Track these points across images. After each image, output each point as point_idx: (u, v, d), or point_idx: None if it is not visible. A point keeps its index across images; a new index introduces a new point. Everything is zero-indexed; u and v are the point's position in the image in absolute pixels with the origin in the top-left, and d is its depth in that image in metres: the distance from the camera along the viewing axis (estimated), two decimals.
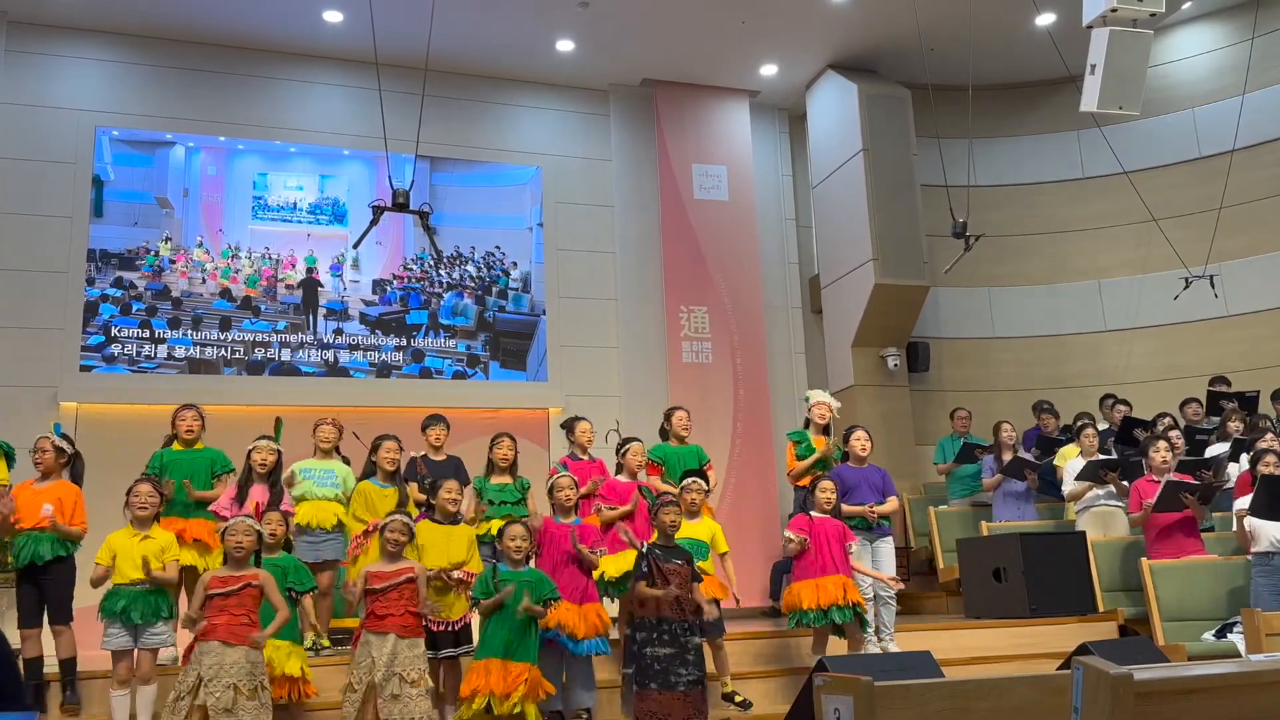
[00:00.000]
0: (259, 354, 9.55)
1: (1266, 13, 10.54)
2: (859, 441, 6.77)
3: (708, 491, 6.13)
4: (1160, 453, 6.93)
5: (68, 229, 9.22)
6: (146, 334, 9.28)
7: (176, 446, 6.12)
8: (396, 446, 6.09)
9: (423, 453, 6.53)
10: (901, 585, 6.73)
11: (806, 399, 7.28)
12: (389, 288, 10.09)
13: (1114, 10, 5.90)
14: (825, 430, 7.10)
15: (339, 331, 9.84)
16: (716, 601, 5.69)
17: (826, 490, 6.08)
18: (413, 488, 6.18)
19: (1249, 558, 6.26)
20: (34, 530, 5.28)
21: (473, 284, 10.35)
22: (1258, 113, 10.30)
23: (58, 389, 8.82)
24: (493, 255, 10.48)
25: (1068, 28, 9.41)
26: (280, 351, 9.63)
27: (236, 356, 9.48)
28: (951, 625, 7.07)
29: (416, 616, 4.88)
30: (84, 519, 5.46)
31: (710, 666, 5.65)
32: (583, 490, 5.98)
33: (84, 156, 9.40)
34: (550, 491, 5.72)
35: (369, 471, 6.08)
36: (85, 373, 9.00)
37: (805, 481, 6.85)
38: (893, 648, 6.30)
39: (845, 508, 6.34)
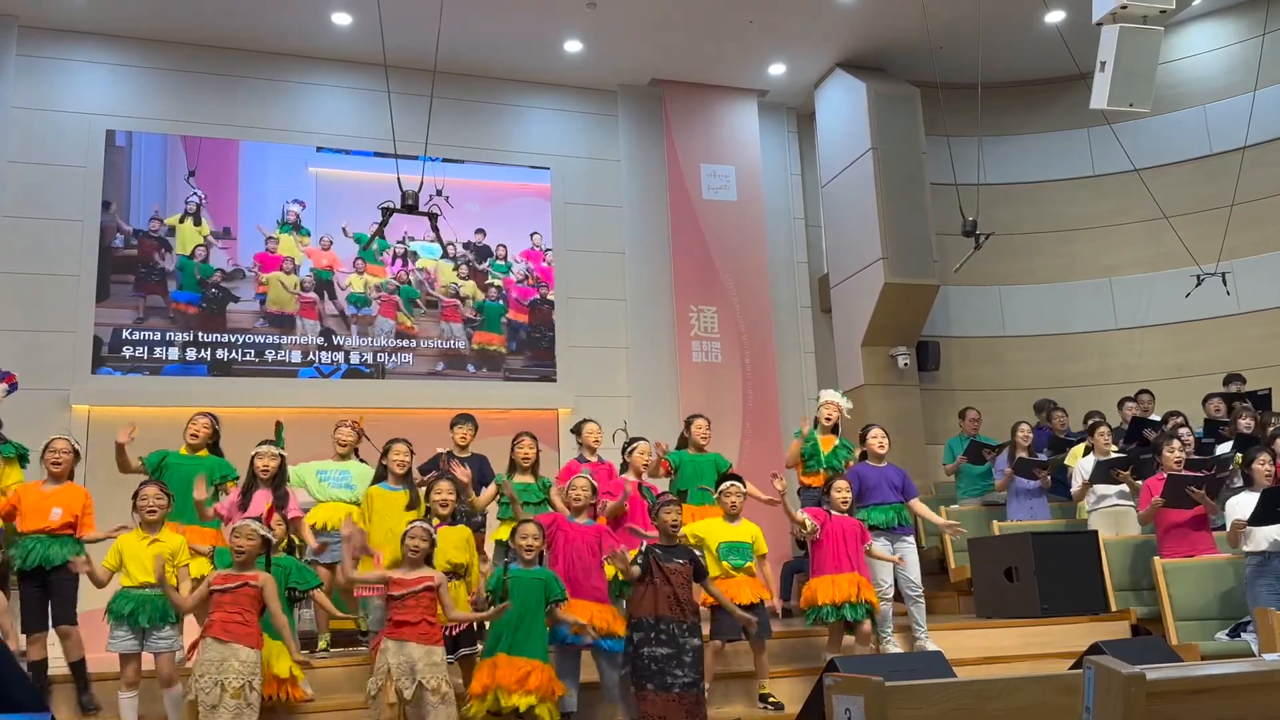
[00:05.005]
0: (270, 355, 9.57)
1: (1278, 9, 10.48)
2: (876, 440, 6.64)
3: (744, 495, 6.05)
4: (1175, 451, 6.89)
5: (79, 232, 9.26)
6: (159, 337, 9.32)
7: (183, 450, 6.08)
8: (407, 449, 6.09)
9: (449, 450, 6.51)
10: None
11: (817, 398, 7.24)
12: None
13: (1124, 7, 5.88)
14: (834, 430, 7.07)
15: (348, 331, 9.87)
16: (760, 604, 5.65)
17: (842, 490, 6.01)
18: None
19: (1243, 557, 6.19)
20: (42, 533, 5.25)
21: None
22: (1269, 109, 10.24)
23: (69, 391, 8.86)
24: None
25: (1078, 25, 9.38)
26: (291, 354, 9.65)
27: (248, 359, 9.51)
28: (963, 625, 7.04)
29: (434, 625, 4.80)
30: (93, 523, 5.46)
31: (749, 666, 5.65)
32: (609, 507, 5.95)
33: (95, 160, 9.44)
34: (566, 490, 5.69)
35: (379, 475, 6.10)
36: (96, 375, 9.05)
37: (818, 481, 6.82)
38: (929, 646, 6.26)
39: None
